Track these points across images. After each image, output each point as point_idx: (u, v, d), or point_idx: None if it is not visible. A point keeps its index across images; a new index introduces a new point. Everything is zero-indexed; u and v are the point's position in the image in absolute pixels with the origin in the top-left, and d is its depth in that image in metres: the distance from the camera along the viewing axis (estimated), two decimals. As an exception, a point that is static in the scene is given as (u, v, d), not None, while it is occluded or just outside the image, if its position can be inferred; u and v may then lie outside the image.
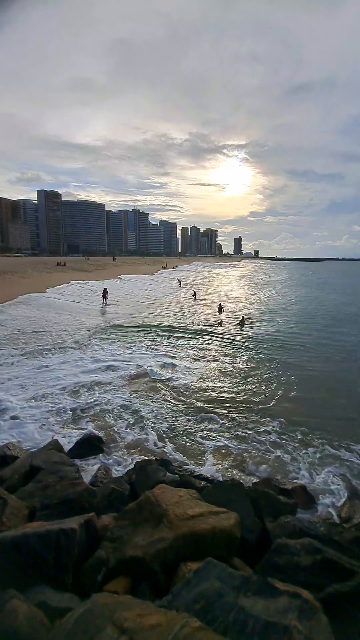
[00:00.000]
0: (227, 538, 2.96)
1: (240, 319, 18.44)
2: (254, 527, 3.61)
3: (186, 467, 5.84)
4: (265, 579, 2.18)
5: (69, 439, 6.69)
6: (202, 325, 18.21)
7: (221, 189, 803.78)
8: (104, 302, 24.34)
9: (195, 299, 30.25)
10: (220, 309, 23.22)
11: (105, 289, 25.41)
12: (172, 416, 7.96)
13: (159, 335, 15.63)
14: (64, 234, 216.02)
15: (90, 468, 5.76)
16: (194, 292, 32.15)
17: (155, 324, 17.96)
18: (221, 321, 18.10)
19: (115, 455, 6.30)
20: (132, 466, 5.50)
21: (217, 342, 14.77)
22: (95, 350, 12.84)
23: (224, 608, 1.94)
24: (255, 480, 5.51)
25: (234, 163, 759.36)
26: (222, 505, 3.41)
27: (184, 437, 7.02)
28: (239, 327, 17.39)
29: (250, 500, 4.05)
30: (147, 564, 2.69)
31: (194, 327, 17.52)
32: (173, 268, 76.83)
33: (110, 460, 6.11)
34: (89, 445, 6.35)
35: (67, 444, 6.37)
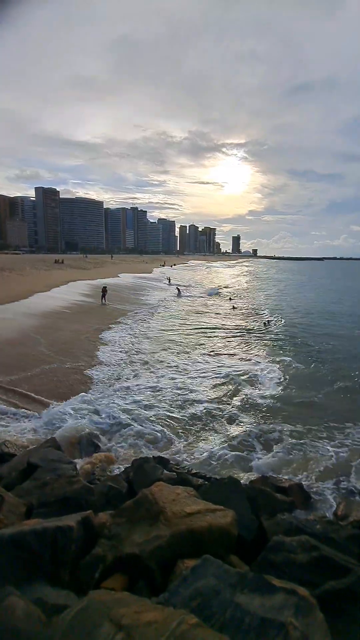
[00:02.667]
0: (223, 535, 2.97)
1: (265, 322, 20.05)
2: (251, 524, 3.63)
3: (183, 464, 5.85)
4: (261, 575, 2.19)
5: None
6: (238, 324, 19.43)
7: (220, 187, 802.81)
8: (103, 300, 23.74)
9: (180, 294, 30.61)
10: (234, 307, 24.90)
11: (104, 287, 24.72)
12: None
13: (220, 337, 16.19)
14: (62, 231, 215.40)
15: (87, 466, 5.75)
16: (178, 289, 32.65)
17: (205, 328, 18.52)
18: (267, 322, 19.74)
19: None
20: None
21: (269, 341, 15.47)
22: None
23: (220, 605, 1.95)
24: (252, 478, 5.53)
25: (233, 162, 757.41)
26: (220, 503, 3.42)
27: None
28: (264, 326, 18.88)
29: (247, 498, 4.06)
30: (144, 561, 2.69)
31: (236, 328, 18.51)
32: (171, 266, 76.79)
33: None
34: (88, 444, 6.36)
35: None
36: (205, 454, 6.39)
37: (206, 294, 32.97)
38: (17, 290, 22.88)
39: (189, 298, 30.20)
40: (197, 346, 14.45)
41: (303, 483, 5.40)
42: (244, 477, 5.58)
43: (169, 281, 42.10)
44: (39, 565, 2.56)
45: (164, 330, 17.33)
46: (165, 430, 7.22)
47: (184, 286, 37.07)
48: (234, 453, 6.44)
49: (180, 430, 7.34)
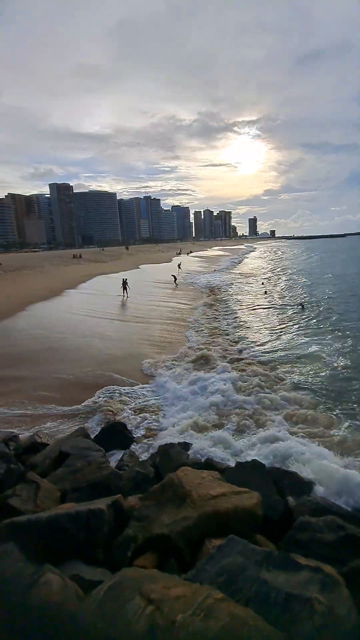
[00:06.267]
0: (249, 516, 3.04)
1: (300, 304, 20.37)
2: (277, 505, 3.68)
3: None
4: (287, 554, 2.24)
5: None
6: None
7: (233, 168, 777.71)
8: (125, 293, 22.80)
9: (175, 281, 29.61)
10: (266, 292, 25.63)
11: (124, 280, 23.73)
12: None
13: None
14: (77, 225, 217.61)
15: (117, 453, 5.98)
16: (173, 276, 31.74)
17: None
18: (302, 304, 20.26)
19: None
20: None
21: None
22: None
23: (246, 581, 2.02)
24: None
25: (246, 140, 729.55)
26: (244, 485, 3.48)
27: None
28: (301, 308, 19.19)
29: (272, 480, 4.11)
30: (173, 541, 2.82)
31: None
32: (187, 254, 75.62)
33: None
34: (114, 433, 6.58)
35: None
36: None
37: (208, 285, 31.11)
38: (50, 287, 23.42)
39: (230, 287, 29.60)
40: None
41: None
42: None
43: (179, 267, 40.88)
44: (75, 545, 2.74)
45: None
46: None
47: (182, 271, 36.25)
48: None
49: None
